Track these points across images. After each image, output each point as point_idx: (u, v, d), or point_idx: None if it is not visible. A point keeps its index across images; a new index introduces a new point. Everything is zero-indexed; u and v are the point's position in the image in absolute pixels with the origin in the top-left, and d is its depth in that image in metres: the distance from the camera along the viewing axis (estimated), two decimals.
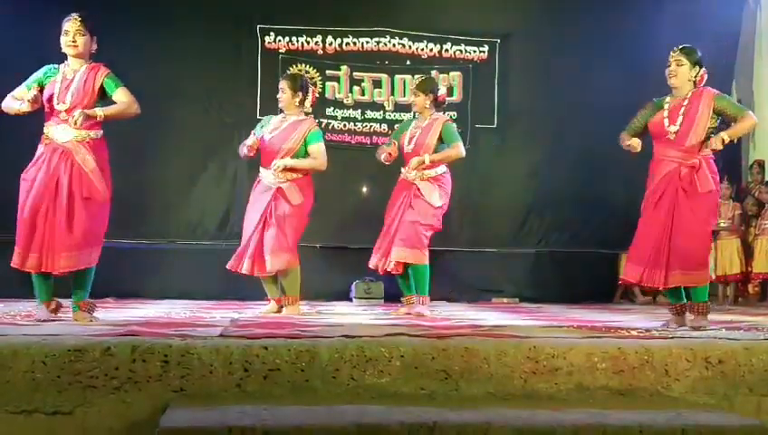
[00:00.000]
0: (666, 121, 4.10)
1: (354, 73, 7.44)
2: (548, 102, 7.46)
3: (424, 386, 2.85)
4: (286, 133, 5.02)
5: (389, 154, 5.18)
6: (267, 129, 5.08)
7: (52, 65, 4.07)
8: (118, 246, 6.69)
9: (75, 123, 3.86)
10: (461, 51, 7.56)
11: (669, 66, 4.17)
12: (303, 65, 7.34)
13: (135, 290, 6.73)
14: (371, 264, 5.24)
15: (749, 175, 7.78)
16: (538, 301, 7.12)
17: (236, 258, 4.97)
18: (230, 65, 7.19)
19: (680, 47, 4.17)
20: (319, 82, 7.35)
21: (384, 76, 7.46)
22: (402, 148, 5.23)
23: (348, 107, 7.42)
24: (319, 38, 7.39)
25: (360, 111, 7.45)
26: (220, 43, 7.07)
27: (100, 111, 4.00)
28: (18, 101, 3.98)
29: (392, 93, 7.47)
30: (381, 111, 7.47)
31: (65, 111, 3.94)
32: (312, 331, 3.37)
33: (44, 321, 3.87)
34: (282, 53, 7.32)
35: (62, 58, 4.08)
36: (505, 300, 7.31)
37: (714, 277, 7.56)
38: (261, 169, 5.08)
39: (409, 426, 2.35)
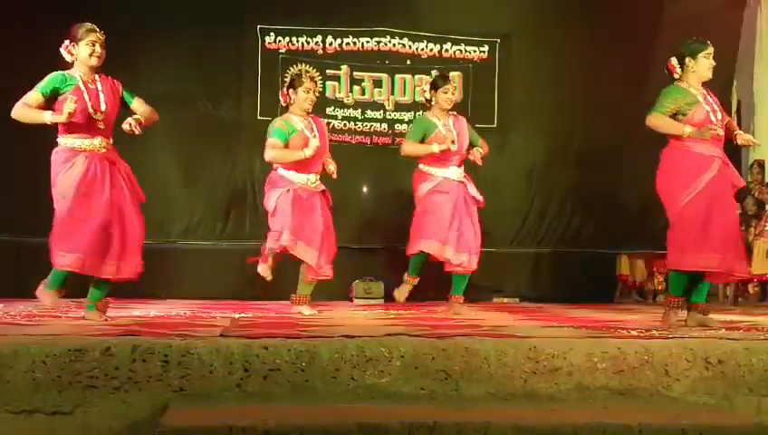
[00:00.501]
0: (712, 116, 4.03)
1: (354, 73, 7.44)
2: (548, 102, 7.46)
3: (424, 386, 2.85)
4: (322, 135, 5.11)
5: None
6: (305, 133, 5.00)
7: (62, 73, 4.05)
8: None
9: (135, 130, 4.04)
10: (461, 51, 7.56)
11: (710, 57, 4.09)
12: (304, 65, 7.33)
13: (135, 290, 6.71)
14: (456, 260, 5.18)
15: (749, 175, 7.77)
16: (538, 301, 7.12)
17: (320, 265, 4.95)
18: (230, 65, 7.18)
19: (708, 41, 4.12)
20: (319, 82, 7.35)
21: (384, 76, 7.46)
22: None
23: (348, 106, 7.42)
24: (319, 38, 7.39)
25: (360, 110, 7.45)
26: (220, 43, 7.06)
27: (141, 119, 4.16)
28: (35, 110, 3.94)
29: (392, 93, 7.47)
30: (381, 111, 7.47)
31: (102, 120, 4.03)
32: (312, 331, 3.38)
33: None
34: (282, 53, 7.32)
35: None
36: (505, 300, 7.31)
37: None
38: (295, 174, 4.99)
39: (409, 426, 2.35)
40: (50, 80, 4.01)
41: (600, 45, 7.39)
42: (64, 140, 4.03)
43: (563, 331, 3.63)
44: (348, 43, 7.41)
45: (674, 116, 4.08)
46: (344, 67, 7.40)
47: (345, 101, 7.40)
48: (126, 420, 2.69)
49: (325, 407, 2.57)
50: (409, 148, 5.35)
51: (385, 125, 7.46)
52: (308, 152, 4.89)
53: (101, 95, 4.06)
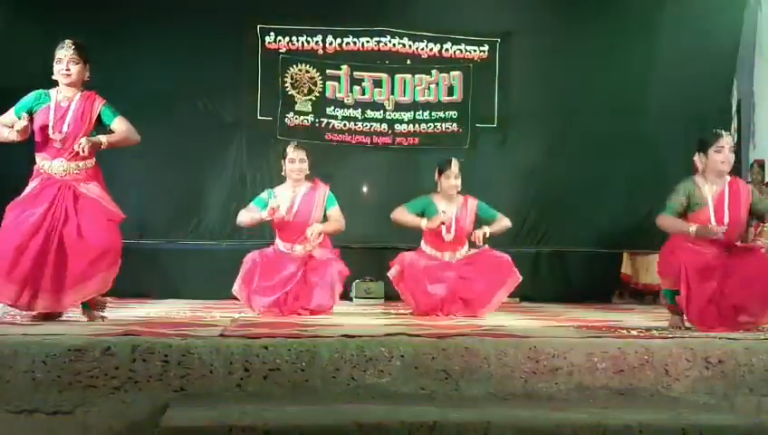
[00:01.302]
0: (713, 220, 3.94)
1: (354, 73, 7.43)
2: (548, 102, 7.46)
3: (424, 386, 2.85)
4: (307, 206, 5.08)
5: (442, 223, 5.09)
6: (284, 204, 5.04)
7: (41, 91, 3.96)
8: None
9: (82, 151, 3.80)
10: (461, 50, 7.56)
11: (723, 151, 3.97)
12: (304, 65, 7.34)
13: (135, 290, 6.73)
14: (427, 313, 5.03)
15: (749, 175, 7.76)
16: (538, 300, 7.12)
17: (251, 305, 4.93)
18: (230, 65, 7.18)
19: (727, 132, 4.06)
20: (319, 82, 7.35)
21: (384, 76, 7.46)
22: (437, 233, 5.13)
23: (348, 106, 7.42)
24: (319, 38, 7.38)
25: (360, 110, 7.44)
26: (220, 42, 7.05)
27: (104, 139, 3.94)
28: (7, 128, 3.87)
29: (392, 93, 7.46)
30: (382, 111, 7.47)
31: (61, 140, 3.86)
32: (312, 330, 3.38)
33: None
34: (282, 53, 7.32)
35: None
36: (506, 299, 7.29)
37: None
38: (279, 242, 5.12)
39: (409, 425, 2.35)
40: (26, 99, 3.94)
41: (600, 45, 7.39)
42: (36, 157, 3.94)
43: (563, 330, 3.63)
44: (348, 43, 7.41)
45: (686, 210, 4.04)
46: (344, 67, 7.40)
47: (345, 100, 7.40)
48: (126, 419, 2.69)
49: (325, 407, 2.57)
50: (400, 214, 5.26)
51: (385, 125, 7.46)
52: (263, 214, 4.96)
53: (69, 115, 3.90)
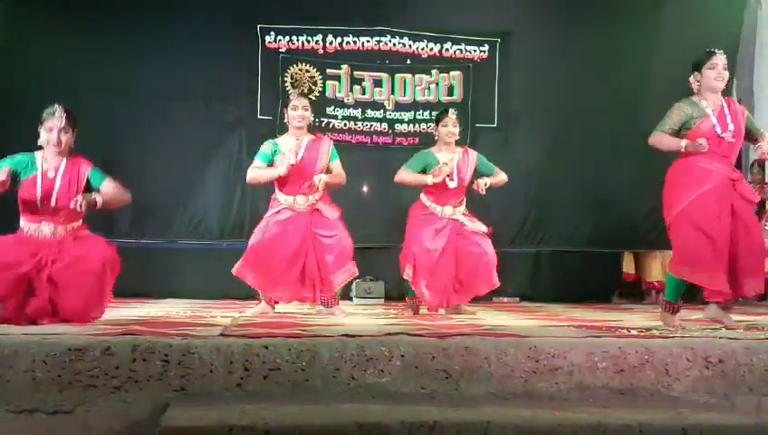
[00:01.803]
0: (718, 129, 4.02)
1: (355, 72, 7.43)
2: (548, 102, 7.46)
3: (424, 385, 2.85)
4: (312, 155, 5.06)
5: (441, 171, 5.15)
6: (287, 152, 5.01)
7: (28, 156, 3.91)
8: (118, 245, 6.67)
9: (79, 208, 3.80)
10: (461, 50, 7.56)
11: (716, 68, 4.08)
12: (304, 64, 7.34)
13: (135, 289, 6.73)
14: (437, 306, 5.20)
15: (749, 175, 7.77)
16: (538, 300, 7.13)
17: (271, 291, 4.97)
18: (230, 65, 7.18)
19: (720, 50, 4.11)
20: (319, 82, 7.35)
21: (384, 75, 7.46)
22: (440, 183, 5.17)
23: (348, 106, 7.42)
24: (319, 37, 7.38)
25: (360, 110, 7.45)
26: (220, 42, 7.05)
27: (99, 199, 3.93)
28: None
29: (392, 93, 7.47)
30: (382, 111, 7.47)
31: (51, 210, 3.84)
32: (312, 330, 3.38)
33: None
34: (282, 53, 7.32)
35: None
36: (506, 299, 7.31)
37: None
38: (284, 197, 5.06)
39: (410, 425, 2.35)
40: (16, 161, 3.88)
41: (600, 44, 7.39)
42: (21, 220, 3.91)
43: (564, 330, 3.63)
44: (348, 43, 7.41)
45: (679, 130, 4.10)
46: (344, 66, 7.40)
47: (345, 100, 7.40)
48: (126, 419, 2.69)
49: (325, 406, 2.57)
50: (404, 174, 5.30)
51: (385, 124, 7.46)
52: (280, 171, 4.91)
53: (57, 184, 3.88)
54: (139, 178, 6.92)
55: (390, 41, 7.44)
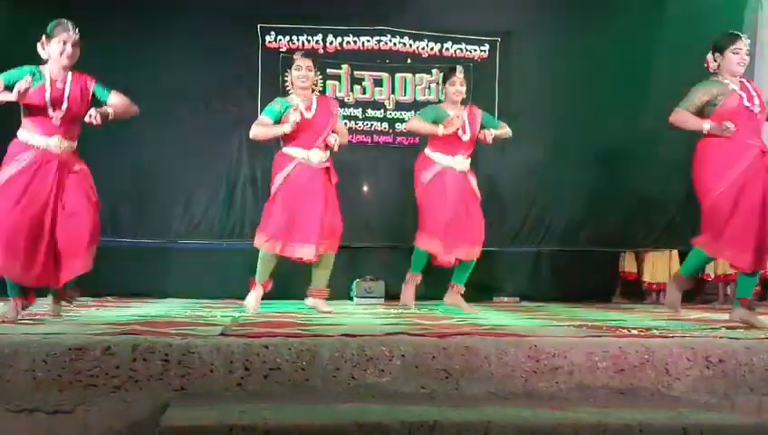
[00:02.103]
0: (746, 101, 4.02)
1: (355, 72, 7.43)
2: (549, 101, 7.45)
3: (424, 385, 2.85)
4: (324, 112, 5.07)
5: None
6: (299, 107, 4.99)
7: (32, 67, 3.94)
8: (118, 245, 6.70)
9: (93, 121, 3.87)
10: (462, 49, 7.56)
11: (740, 53, 4.11)
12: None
13: (135, 289, 6.74)
14: (445, 258, 5.32)
15: None
16: (539, 300, 7.12)
17: (297, 243, 4.88)
18: (230, 64, 7.17)
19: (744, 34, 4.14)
20: (320, 81, 7.35)
21: (385, 75, 7.46)
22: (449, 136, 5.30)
23: (349, 106, 7.42)
24: (319, 37, 7.38)
25: (360, 109, 7.44)
26: (220, 41, 7.05)
27: (110, 110, 4.01)
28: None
29: (393, 92, 7.46)
30: (382, 110, 7.47)
31: (61, 118, 3.89)
32: (312, 330, 3.38)
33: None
34: (282, 52, 7.31)
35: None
36: (506, 299, 7.31)
37: (713, 277, 7.57)
38: (297, 150, 5.00)
39: (410, 425, 2.35)
40: (17, 71, 3.89)
41: (600, 44, 7.38)
42: (20, 132, 3.93)
43: (564, 330, 3.63)
44: (348, 42, 7.41)
45: (704, 108, 4.08)
46: (345, 66, 7.40)
47: (346, 100, 7.39)
48: (126, 419, 2.69)
49: (325, 406, 2.57)
50: (416, 122, 5.47)
51: (385, 124, 7.46)
52: (286, 128, 4.89)
53: (67, 95, 3.92)
54: (138, 178, 6.94)
55: (391, 40, 7.43)
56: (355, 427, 2.32)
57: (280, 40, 7.33)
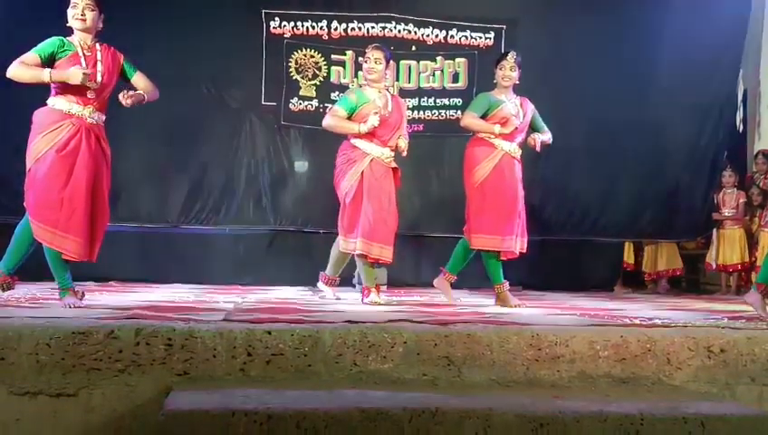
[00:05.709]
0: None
1: (359, 59, 7.40)
2: (553, 89, 7.40)
3: (426, 372, 2.86)
4: (399, 108, 5.02)
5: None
6: (377, 103, 4.89)
7: (60, 39, 3.88)
8: (122, 229, 6.71)
9: (126, 103, 3.86)
10: (466, 37, 7.52)
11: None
12: (309, 50, 7.31)
13: (139, 274, 6.74)
14: (509, 247, 5.09)
15: (754, 165, 7.75)
16: (541, 289, 7.12)
17: (374, 245, 4.81)
18: (235, 50, 7.14)
19: None
20: (324, 67, 7.33)
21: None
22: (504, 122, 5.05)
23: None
24: (324, 23, 7.35)
25: None
26: (225, 28, 7.02)
27: (143, 95, 4.00)
28: (37, 68, 3.76)
29: (397, 79, 7.44)
30: None
31: (95, 90, 3.85)
32: (315, 316, 3.38)
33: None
34: (287, 38, 7.28)
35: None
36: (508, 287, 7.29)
37: (715, 266, 7.57)
38: (372, 146, 4.89)
39: (411, 411, 2.36)
40: (48, 44, 3.84)
41: (606, 32, 7.34)
42: (53, 101, 3.85)
43: (566, 318, 3.64)
44: (353, 29, 7.38)
45: None
46: (349, 53, 7.37)
47: (350, 86, 7.37)
48: (130, 402, 2.71)
49: (327, 392, 2.58)
50: (471, 120, 5.04)
51: None
52: (363, 128, 4.79)
53: (99, 64, 3.87)
54: (143, 164, 6.94)
55: (395, 27, 7.40)
56: (357, 413, 2.33)
57: (284, 26, 7.30)
